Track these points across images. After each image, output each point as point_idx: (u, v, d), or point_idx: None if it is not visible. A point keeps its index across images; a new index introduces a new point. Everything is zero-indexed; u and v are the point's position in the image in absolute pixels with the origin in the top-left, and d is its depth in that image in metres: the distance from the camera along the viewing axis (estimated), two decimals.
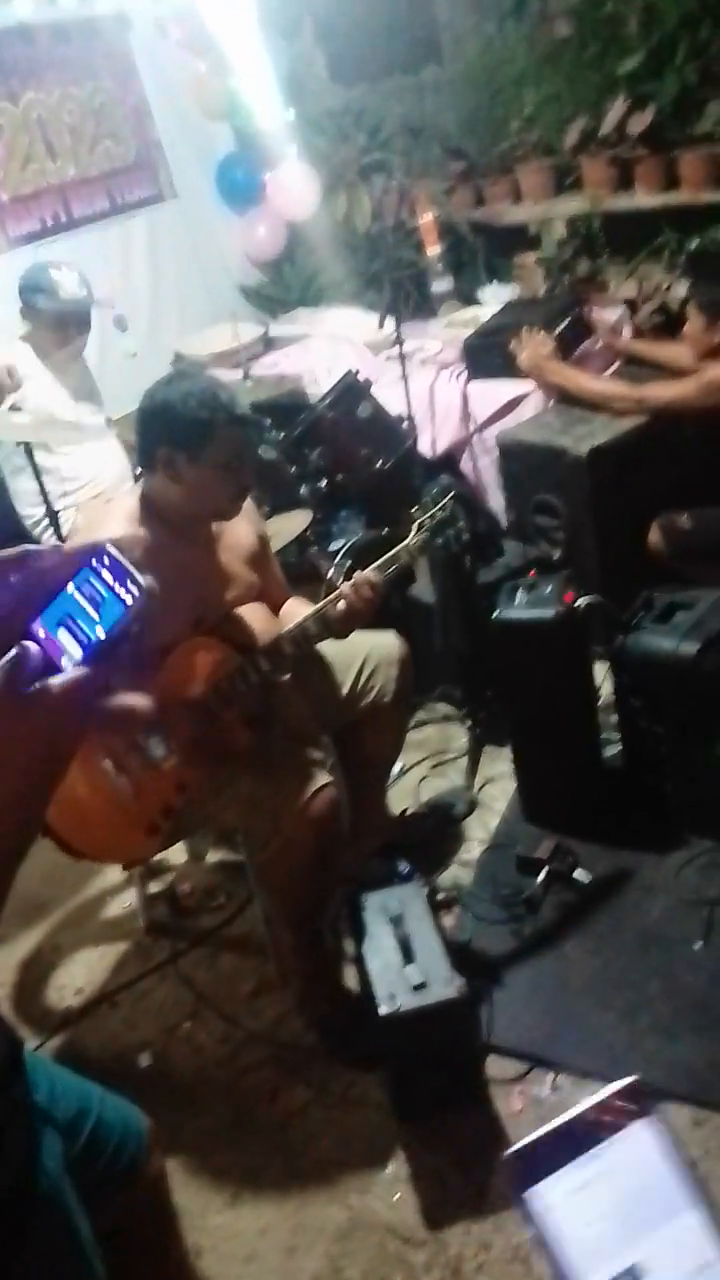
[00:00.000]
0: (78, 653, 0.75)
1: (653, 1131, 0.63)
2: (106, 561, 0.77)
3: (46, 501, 2.97)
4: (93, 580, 0.77)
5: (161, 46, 4.27)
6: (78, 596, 0.77)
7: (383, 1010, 1.85)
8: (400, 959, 1.94)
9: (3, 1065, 1.05)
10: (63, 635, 0.76)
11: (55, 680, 0.72)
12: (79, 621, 0.76)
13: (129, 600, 0.76)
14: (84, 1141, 1.21)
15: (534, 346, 3.28)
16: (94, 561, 0.77)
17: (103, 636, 0.75)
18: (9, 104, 3.76)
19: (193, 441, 1.96)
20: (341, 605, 2.09)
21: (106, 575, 0.77)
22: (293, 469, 3.08)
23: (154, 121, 4.34)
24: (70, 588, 0.77)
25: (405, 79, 4.54)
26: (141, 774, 2.03)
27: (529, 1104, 1.94)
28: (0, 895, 0.78)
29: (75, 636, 0.76)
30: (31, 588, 0.76)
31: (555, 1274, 0.61)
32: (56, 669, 0.75)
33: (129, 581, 0.76)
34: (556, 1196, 0.61)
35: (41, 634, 0.77)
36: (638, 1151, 0.63)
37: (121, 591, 0.76)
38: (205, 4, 4.08)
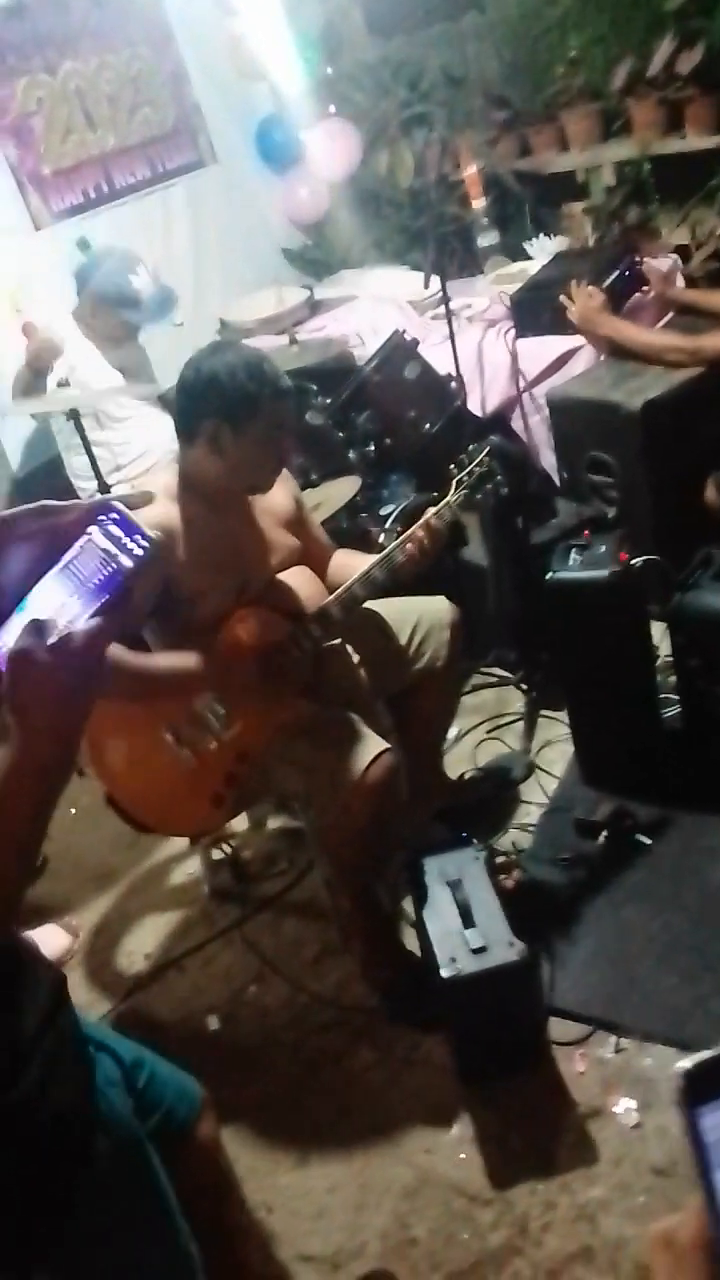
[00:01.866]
0: (91, 604, 0.80)
1: None
2: (115, 516, 0.81)
3: (98, 474, 2.99)
4: (102, 534, 0.81)
5: (197, 8, 4.21)
6: (89, 549, 0.81)
7: (444, 973, 1.86)
8: (460, 922, 1.95)
9: (49, 999, 1.09)
10: (76, 587, 0.81)
11: (74, 635, 0.77)
12: (91, 573, 0.81)
13: (138, 552, 0.80)
14: (140, 1091, 1.24)
15: (584, 300, 3.21)
16: (102, 516, 0.82)
17: (113, 588, 0.80)
18: (47, 75, 3.74)
19: (238, 414, 1.96)
20: (409, 548, 2.10)
21: (115, 529, 0.81)
22: (340, 435, 3.06)
23: (192, 86, 4.29)
24: (82, 541, 0.81)
25: (445, 27, 4.42)
26: (203, 745, 2.05)
27: (592, 1066, 1.94)
28: (39, 834, 0.85)
29: (87, 588, 0.80)
30: (48, 542, 0.81)
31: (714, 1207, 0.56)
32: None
33: (136, 535, 0.81)
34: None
35: (52, 589, 0.82)
36: None
37: (130, 544, 0.80)
38: None
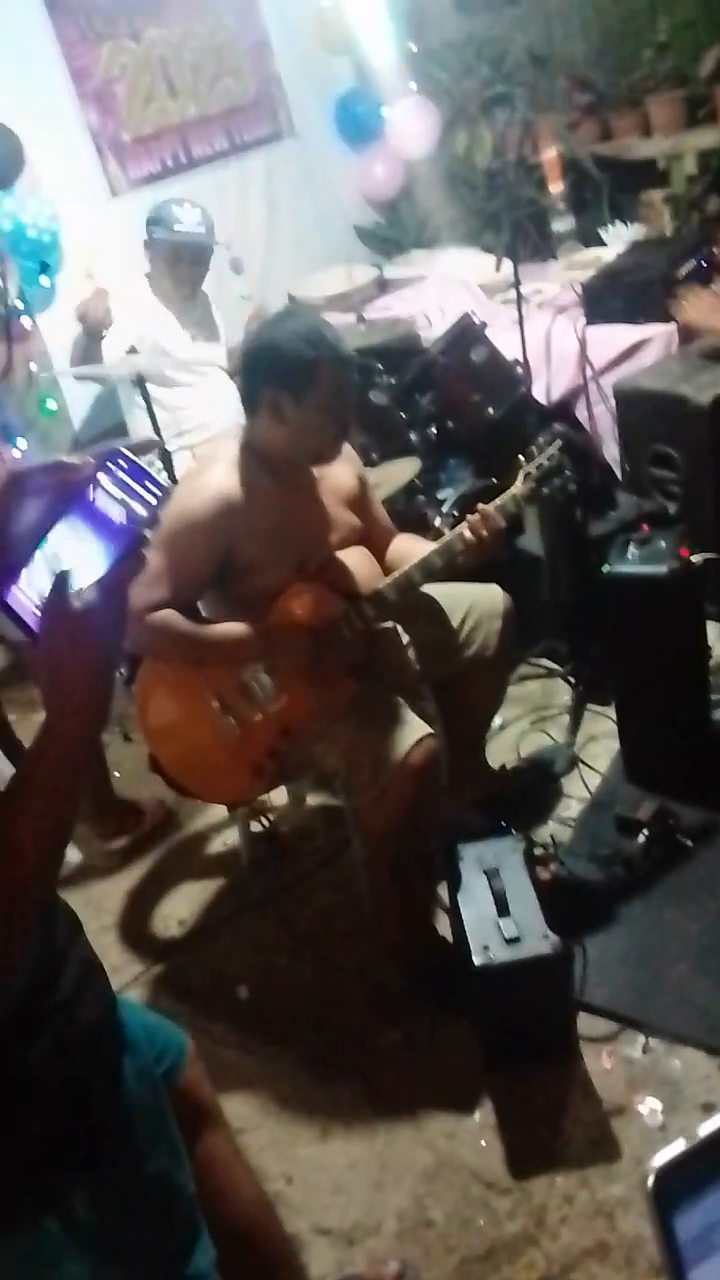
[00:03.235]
0: (108, 550, 0.81)
1: None
2: (124, 465, 0.83)
3: (160, 438, 3.01)
4: (112, 482, 0.82)
5: None
6: (101, 499, 0.83)
7: (477, 961, 1.86)
8: (495, 911, 1.94)
9: (70, 913, 1.13)
10: (92, 535, 0.82)
11: (91, 587, 0.80)
12: (105, 521, 0.82)
13: (149, 498, 0.81)
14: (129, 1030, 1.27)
15: (698, 305, 3.14)
16: (110, 465, 0.83)
17: (128, 534, 0.81)
18: (132, 42, 3.75)
19: (297, 381, 1.95)
20: (468, 535, 2.08)
21: (125, 477, 0.82)
22: (403, 415, 3.04)
23: (274, 57, 4.27)
24: (91, 491, 0.83)
25: (531, 6, 4.35)
26: (248, 716, 2.07)
27: (619, 1064, 1.93)
28: (79, 783, 0.89)
29: (103, 535, 0.82)
30: (59, 494, 0.83)
31: None
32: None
33: (148, 482, 0.82)
34: (692, 1225, 0.53)
35: (67, 540, 0.83)
36: None
37: (142, 491, 0.82)
38: None
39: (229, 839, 2.71)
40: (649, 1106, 1.84)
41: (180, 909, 2.55)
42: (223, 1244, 1.23)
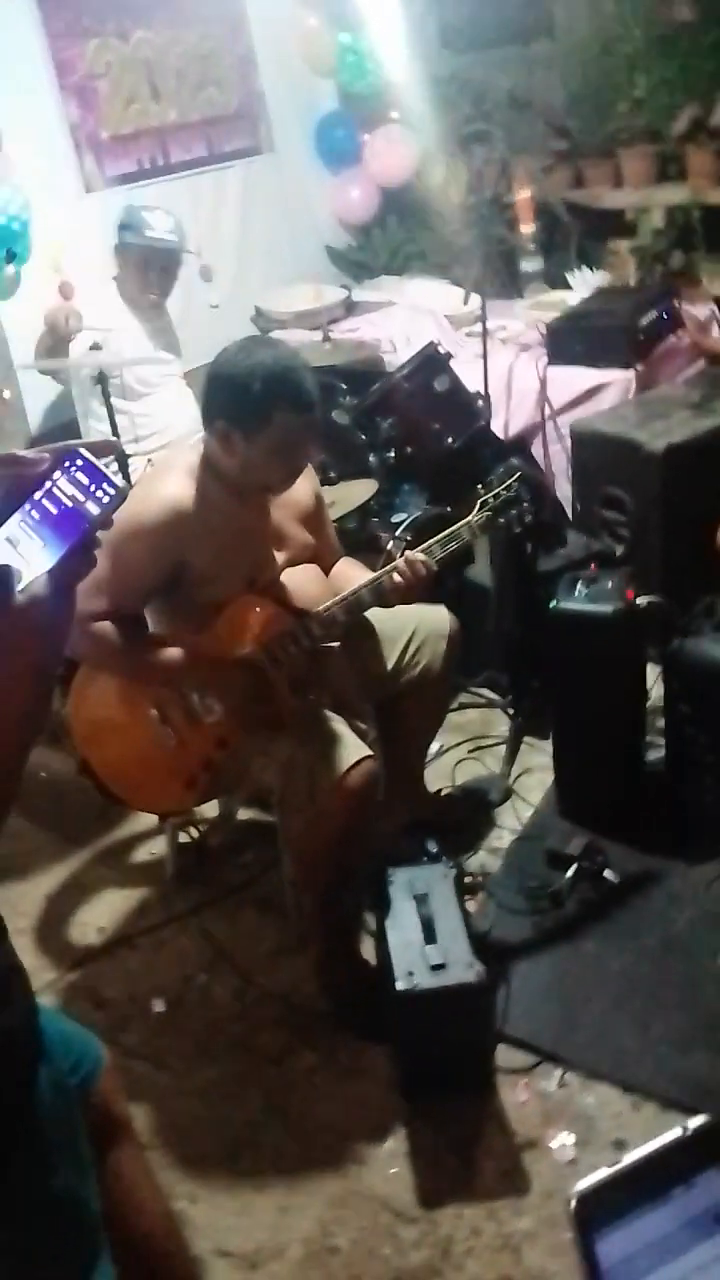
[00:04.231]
0: (56, 549, 0.80)
1: None
2: (81, 464, 0.81)
3: (119, 441, 2.97)
4: (68, 480, 0.81)
5: None
6: (54, 496, 0.81)
7: (399, 986, 1.85)
8: (422, 938, 1.94)
9: None
10: (41, 533, 0.81)
11: (38, 584, 0.78)
12: (56, 519, 0.81)
13: (104, 499, 0.80)
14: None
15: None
16: (67, 463, 0.81)
17: (79, 534, 0.80)
18: (119, 41, 3.74)
19: (249, 422, 1.91)
20: (396, 579, 2.08)
21: (81, 476, 0.81)
22: (363, 437, 3.06)
23: (259, 72, 4.29)
24: (45, 488, 0.81)
25: (515, 50, 4.44)
26: (185, 726, 2.04)
27: (534, 1097, 1.93)
28: (10, 792, 0.85)
29: (53, 534, 0.80)
30: (11, 489, 0.81)
31: None
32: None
33: (104, 483, 0.81)
34: (615, 1251, 0.53)
35: (16, 536, 0.81)
36: (705, 1206, 0.55)
37: (98, 491, 0.81)
38: None
39: (156, 848, 2.67)
40: (561, 1141, 1.84)
41: (100, 916, 2.50)
42: (125, 1263, 1.20)
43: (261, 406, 1.90)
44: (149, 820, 2.69)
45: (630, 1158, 0.55)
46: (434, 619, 2.34)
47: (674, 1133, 0.56)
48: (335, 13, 4.26)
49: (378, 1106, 1.95)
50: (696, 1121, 0.56)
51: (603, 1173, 0.54)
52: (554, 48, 4.38)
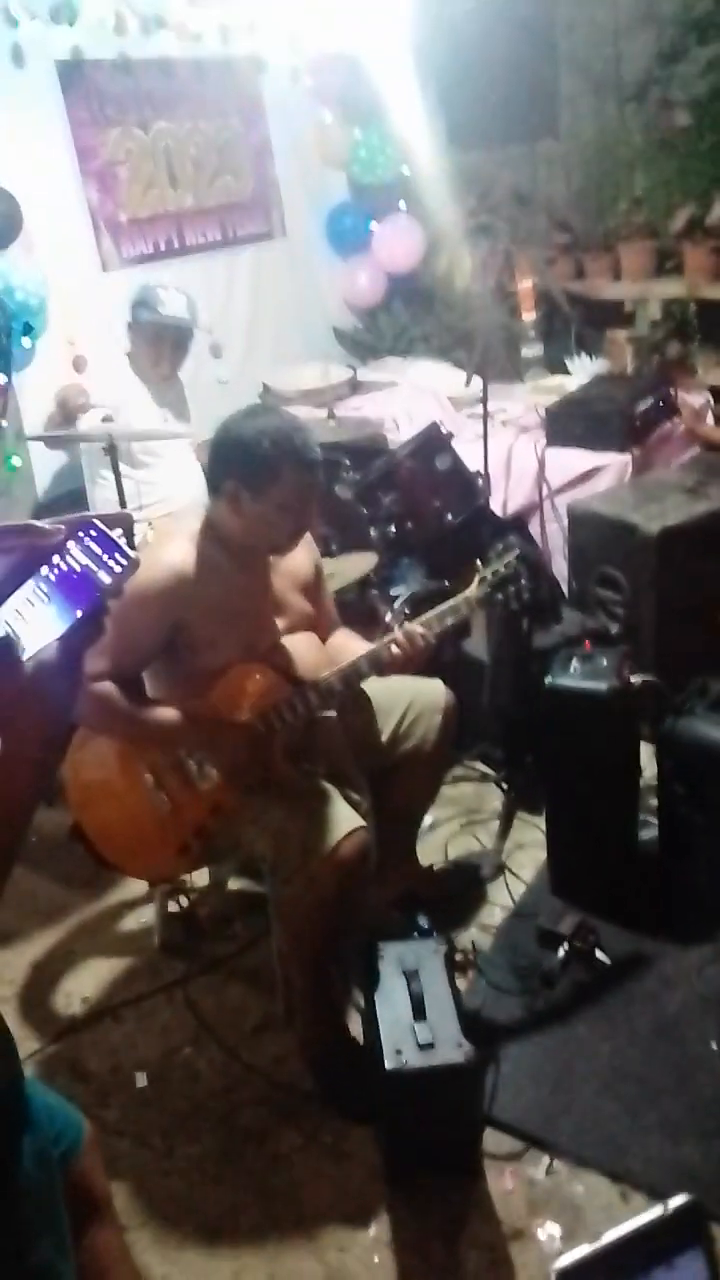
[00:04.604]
0: (66, 617, 0.82)
1: (703, 1265, 0.57)
2: (94, 534, 0.84)
3: (128, 511, 3.03)
4: (81, 551, 0.84)
5: (292, 92, 4.42)
6: (67, 565, 0.84)
7: (388, 1065, 1.82)
8: (411, 1015, 1.91)
9: None
10: (53, 601, 0.83)
11: (48, 651, 0.80)
12: (68, 588, 0.83)
13: (116, 570, 0.83)
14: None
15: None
16: (81, 534, 0.84)
17: (89, 603, 0.82)
18: (140, 130, 3.91)
19: (257, 479, 1.97)
20: (394, 650, 2.10)
21: (94, 546, 0.84)
22: (364, 511, 3.11)
23: (274, 162, 4.47)
24: (59, 557, 0.84)
25: (520, 148, 4.65)
26: (180, 791, 2.04)
27: (521, 1184, 1.89)
28: (12, 853, 0.88)
29: (64, 602, 0.83)
30: (27, 557, 0.84)
31: None
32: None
33: (116, 554, 0.83)
34: None
35: (28, 603, 0.84)
36: None
37: (110, 562, 0.83)
38: (343, 57, 4.21)
39: (144, 917, 2.64)
40: (548, 1232, 1.80)
41: (85, 985, 2.46)
42: None
43: (270, 463, 1.96)
44: (138, 888, 2.67)
45: (611, 1236, 0.55)
46: (430, 692, 2.36)
47: (655, 1212, 0.56)
48: (349, 108, 4.46)
49: (361, 1190, 1.90)
50: (678, 1201, 0.56)
51: (583, 1250, 0.54)
52: (558, 147, 4.59)
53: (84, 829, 2.12)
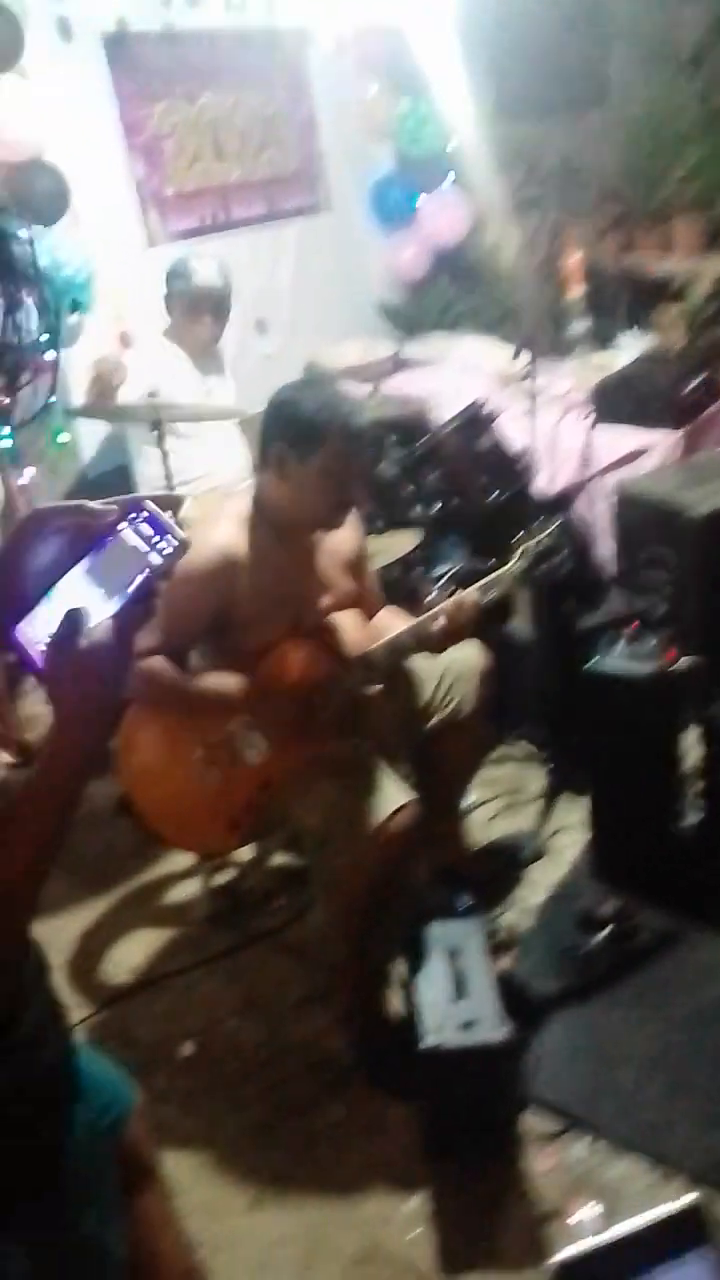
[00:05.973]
0: (118, 598, 0.83)
1: (705, 1266, 0.57)
2: (146, 515, 0.85)
3: (170, 485, 3.04)
4: (133, 532, 0.85)
5: (337, 64, 4.36)
6: (119, 546, 0.85)
7: (428, 1042, 1.84)
8: (452, 993, 1.93)
9: (36, 967, 1.12)
10: (105, 582, 0.84)
11: (100, 629, 0.81)
12: (120, 569, 0.84)
13: (167, 551, 0.84)
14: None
15: None
16: (134, 515, 0.85)
17: (141, 584, 0.83)
18: (186, 103, 3.88)
19: (303, 442, 2.00)
20: (441, 622, 2.09)
21: (145, 528, 0.85)
22: (410, 489, 3.10)
23: (319, 135, 4.43)
24: (112, 538, 0.85)
25: (570, 119, 4.55)
26: (230, 767, 2.07)
27: (560, 1164, 1.90)
28: (65, 827, 0.90)
29: (116, 583, 0.84)
30: (79, 537, 0.85)
31: None
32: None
33: (167, 535, 0.84)
34: None
35: (81, 582, 0.85)
36: None
37: (161, 543, 0.84)
38: (389, 28, 4.15)
39: (190, 890, 2.68)
40: (587, 1212, 1.81)
41: (133, 956, 2.51)
42: None
43: (315, 426, 1.99)
44: (183, 861, 2.71)
45: (616, 1230, 0.56)
46: (465, 658, 2.32)
47: (663, 1209, 0.56)
48: (395, 79, 4.40)
49: (402, 1164, 1.93)
50: (682, 1201, 0.57)
51: (587, 1243, 0.55)
52: (609, 118, 4.49)
53: (138, 806, 2.15)
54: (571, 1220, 1.79)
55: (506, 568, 2.19)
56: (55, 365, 3.14)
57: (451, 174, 4.59)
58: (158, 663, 2.00)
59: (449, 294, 4.79)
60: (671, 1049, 2.09)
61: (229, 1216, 1.89)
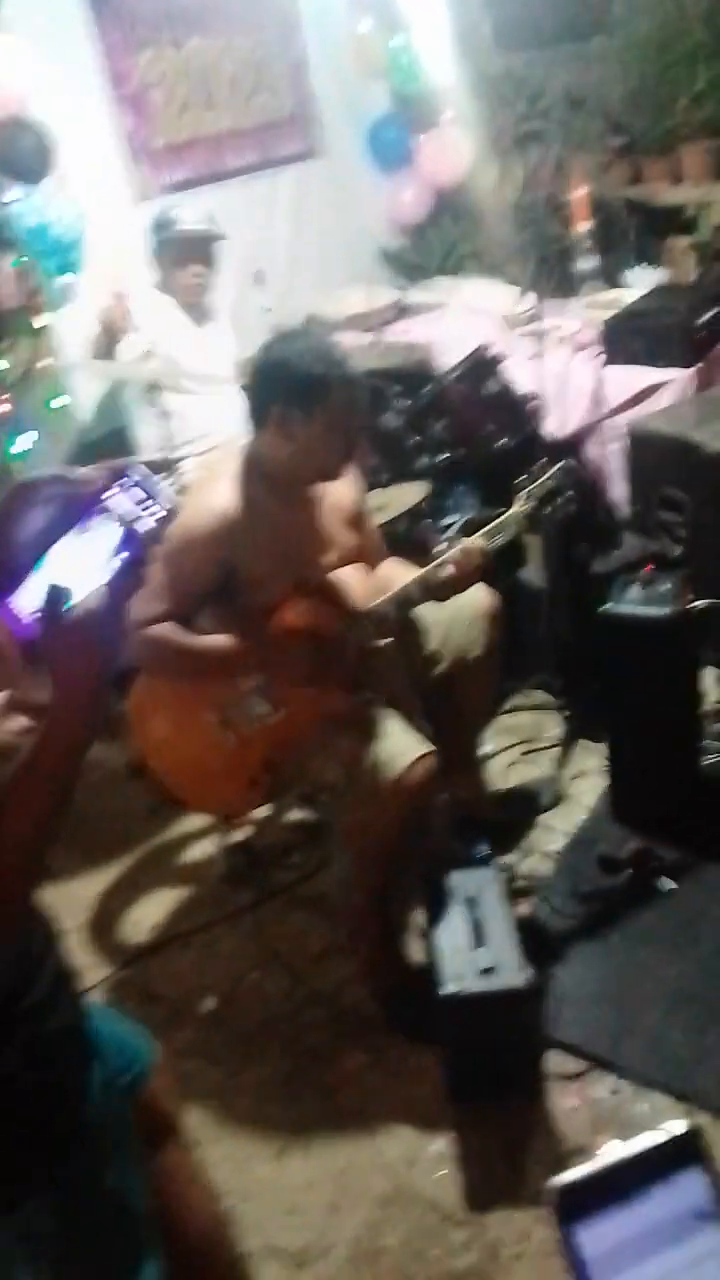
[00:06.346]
0: (110, 564, 0.82)
1: (705, 1183, 0.58)
2: (136, 480, 0.84)
3: (170, 454, 3.00)
4: (121, 498, 0.83)
5: (326, 2, 4.23)
6: (108, 513, 0.83)
7: (448, 989, 1.84)
8: (471, 941, 1.93)
9: (45, 934, 1.11)
10: (96, 548, 0.83)
11: (92, 598, 0.81)
12: (110, 535, 0.83)
13: (159, 515, 0.83)
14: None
15: None
16: (122, 480, 0.84)
17: (132, 549, 0.82)
18: (173, 49, 3.78)
19: (306, 398, 1.95)
20: (449, 570, 2.06)
21: (136, 492, 0.83)
22: (414, 439, 3.05)
23: (311, 77, 4.31)
24: (99, 504, 0.83)
25: (572, 47, 4.40)
26: (245, 728, 2.06)
27: (585, 1103, 1.91)
28: (67, 796, 0.90)
29: (107, 549, 0.82)
30: (65, 506, 0.84)
31: None
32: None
33: (156, 500, 0.83)
34: (598, 1243, 0.56)
35: (70, 552, 0.83)
36: (686, 1205, 0.57)
37: (151, 507, 0.83)
38: None
39: (206, 848, 2.69)
40: (612, 1148, 1.81)
41: (152, 914, 2.53)
42: (175, 1261, 1.21)
43: (316, 380, 1.94)
44: (198, 821, 2.72)
45: (612, 1155, 0.58)
46: (472, 598, 2.27)
47: (656, 1135, 0.58)
48: (388, 15, 4.26)
49: (426, 1108, 1.95)
50: (678, 1127, 0.58)
51: (585, 1168, 0.57)
52: (611, 44, 4.33)
53: (157, 773, 2.15)
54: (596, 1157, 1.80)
55: (511, 512, 2.15)
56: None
57: (448, 112, 4.45)
58: (167, 628, 1.99)
59: (451, 236, 4.68)
60: (695, 986, 2.09)
61: (257, 1165, 1.91)
